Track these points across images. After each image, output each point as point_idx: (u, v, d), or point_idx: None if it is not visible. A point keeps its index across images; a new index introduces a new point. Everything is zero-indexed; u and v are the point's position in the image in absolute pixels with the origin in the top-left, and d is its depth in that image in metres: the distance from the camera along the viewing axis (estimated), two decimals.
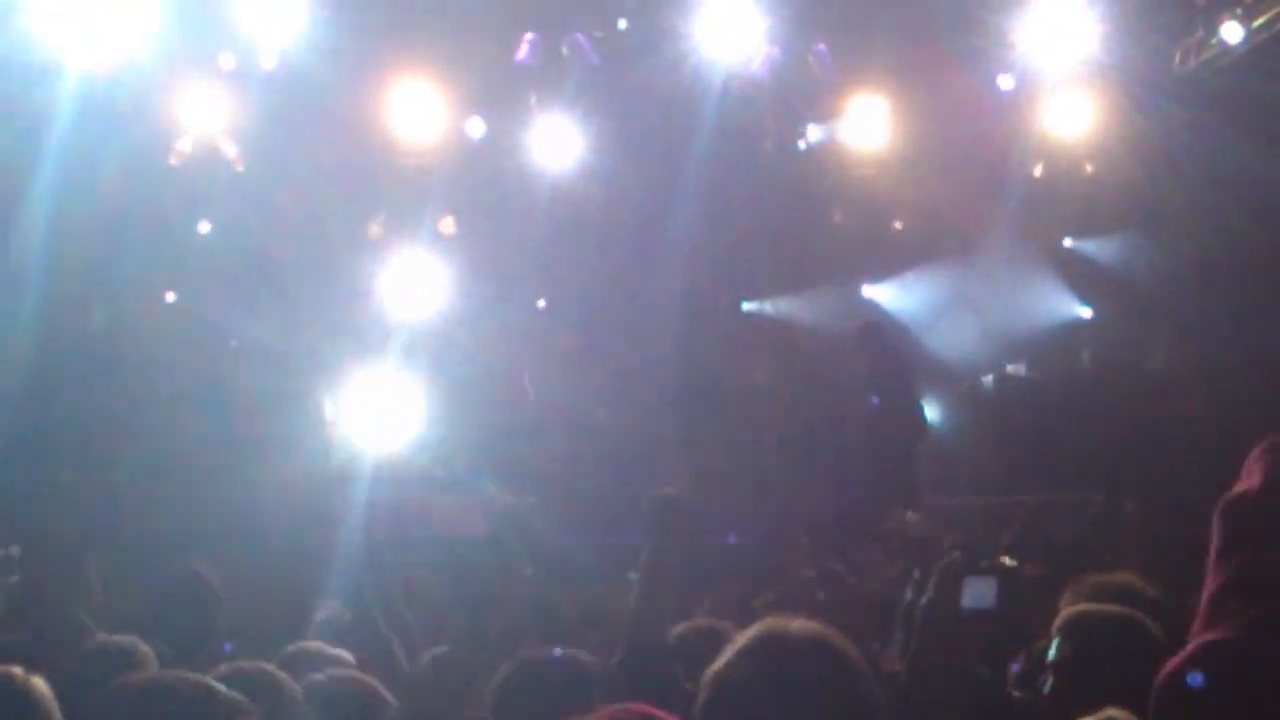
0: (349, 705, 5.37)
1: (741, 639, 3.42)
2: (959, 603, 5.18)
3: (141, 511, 13.40)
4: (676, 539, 5.72)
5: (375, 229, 19.77)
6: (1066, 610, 5.18)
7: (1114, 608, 5.06)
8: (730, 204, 20.33)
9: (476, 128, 18.97)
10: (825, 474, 17.50)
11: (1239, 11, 17.42)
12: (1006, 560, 5.29)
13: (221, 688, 4.30)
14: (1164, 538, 14.04)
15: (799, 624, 3.38)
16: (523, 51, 18.53)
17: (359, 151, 18.76)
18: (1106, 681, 4.60)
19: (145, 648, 5.92)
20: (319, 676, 5.55)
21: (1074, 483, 15.88)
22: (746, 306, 21.74)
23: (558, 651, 5.66)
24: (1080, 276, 21.22)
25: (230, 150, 18.47)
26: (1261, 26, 17.44)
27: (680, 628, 6.11)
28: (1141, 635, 4.87)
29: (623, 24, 18.85)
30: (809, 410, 18.63)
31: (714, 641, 5.46)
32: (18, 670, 4.56)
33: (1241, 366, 17.52)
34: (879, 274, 21.51)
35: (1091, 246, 21.23)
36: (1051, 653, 5.06)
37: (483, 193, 19.54)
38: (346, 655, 6.45)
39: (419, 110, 18.20)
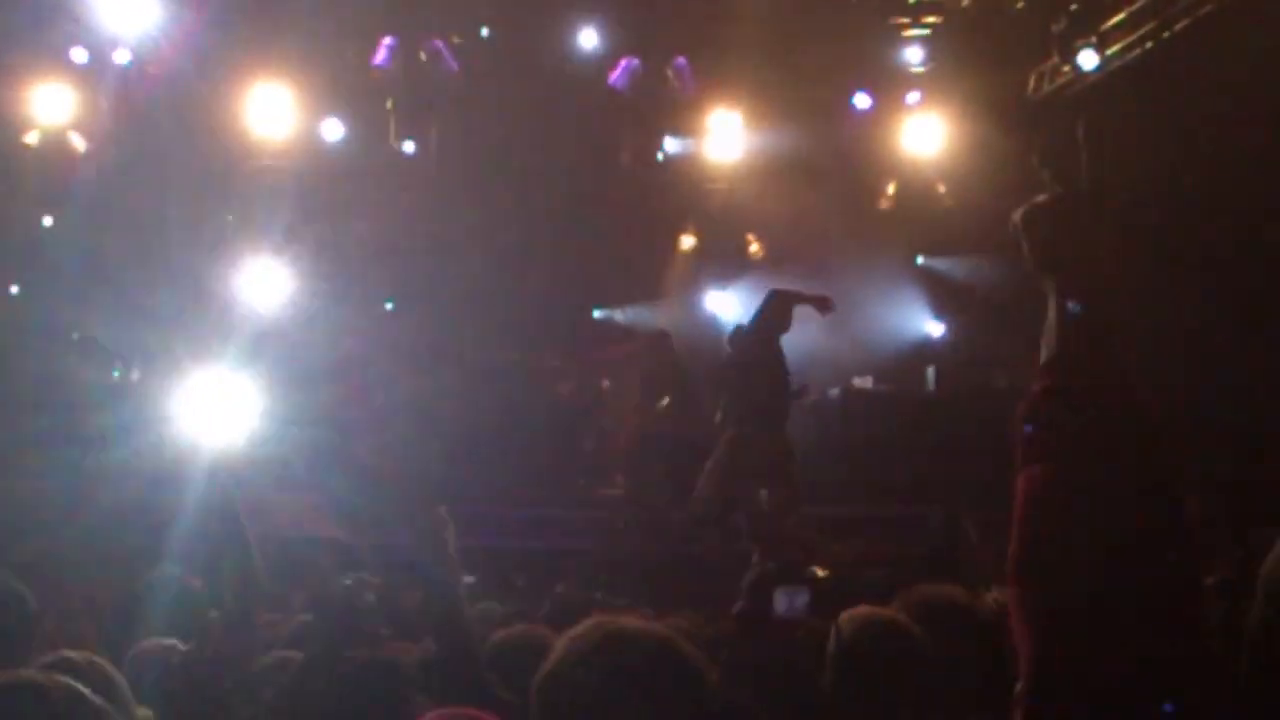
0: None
1: (573, 638, 3.26)
2: (771, 610, 5.24)
3: None
4: None
5: (224, 226, 19.72)
6: (846, 612, 5.12)
7: (886, 611, 5.07)
8: (586, 213, 20.49)
9: (333, 129, 19.01)
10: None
11: (1093, 39, 17.82)
12: (819, 571, 5.38)
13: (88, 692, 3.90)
14: (1003, 553, 14.33)
15: (633, 621, 3.29)
16: (380, 55, 18.56)
17: (210, 149, 18.73)
18: (872, 680, 4.75)
19: None
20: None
21: (916, 497, 16.10)
22: (598, 314, 21.85)
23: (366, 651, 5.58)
24: (931, 294, 21.49)
25: (79, 145, 18.36)
26: (1115, 54, 17.85)
27: (500, 634, 6.08)
28: (899, 637, 4.88)
29: (485, 31, 18.95)
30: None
31: (531, 646, 5.51)
32: None
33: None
34: (731, 284, 21.67)
35: (943, 265, 21.51)
36: (830, 649, 5.03)
37: (336, 193, 19.53)
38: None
39: (273, 111, 18.18)
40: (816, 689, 4.99)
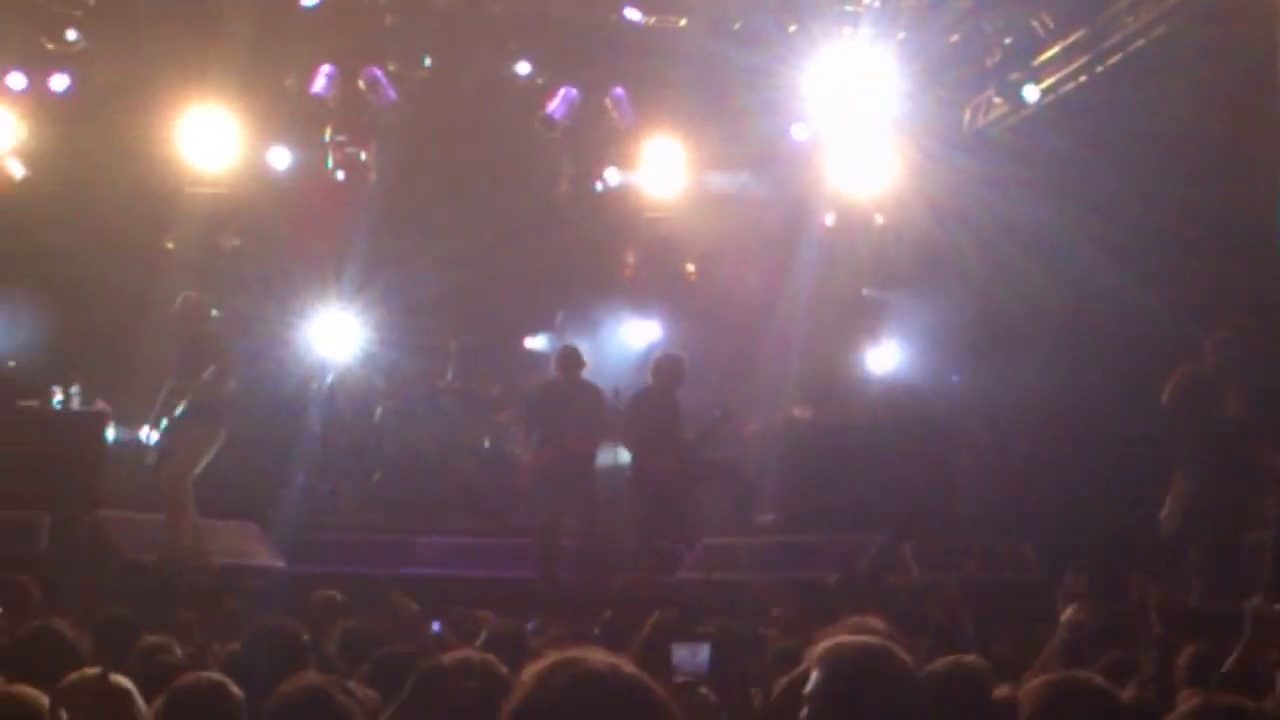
0: None
1: (541, 676, 3.19)
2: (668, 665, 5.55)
3: None
4: None
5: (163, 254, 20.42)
6: (823, 642, 5.23)
7: (868, 638, 5.19)
8: (523, 242, 21.01)
9: (279, 157, 19.72)
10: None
11: (1027, 73, 18.69)
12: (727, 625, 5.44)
13: None
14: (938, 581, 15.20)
15: (602, 659, 3.21)
16: (319, 83, 19.22)
17: (148, 174, 19.39)
18: (860, 710, 4.85)
19: None
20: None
21: (855, 525, 16.72)
22: (530, 343, 22.09)
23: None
24: (874, 325, 21.88)
25: (16, 171, 19.02)
26: (1049, 88, 18.73)
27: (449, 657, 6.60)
28: (892, 665, 5.02)
29: (428, 61, 19.66)
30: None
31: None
32: None
33: (1021, 416, 18.66)
34: (670, 315, 22.09)
35: (886, 296, 21.91)
36: (809, 685, 5.09)
37: (276, 220, 20.15)
38: None
39: (212, 137, 18.88)
40: None
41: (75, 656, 6.94)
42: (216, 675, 5.94)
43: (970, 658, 6.08)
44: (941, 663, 5.88)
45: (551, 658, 3.23)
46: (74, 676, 5.73)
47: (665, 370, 17.83)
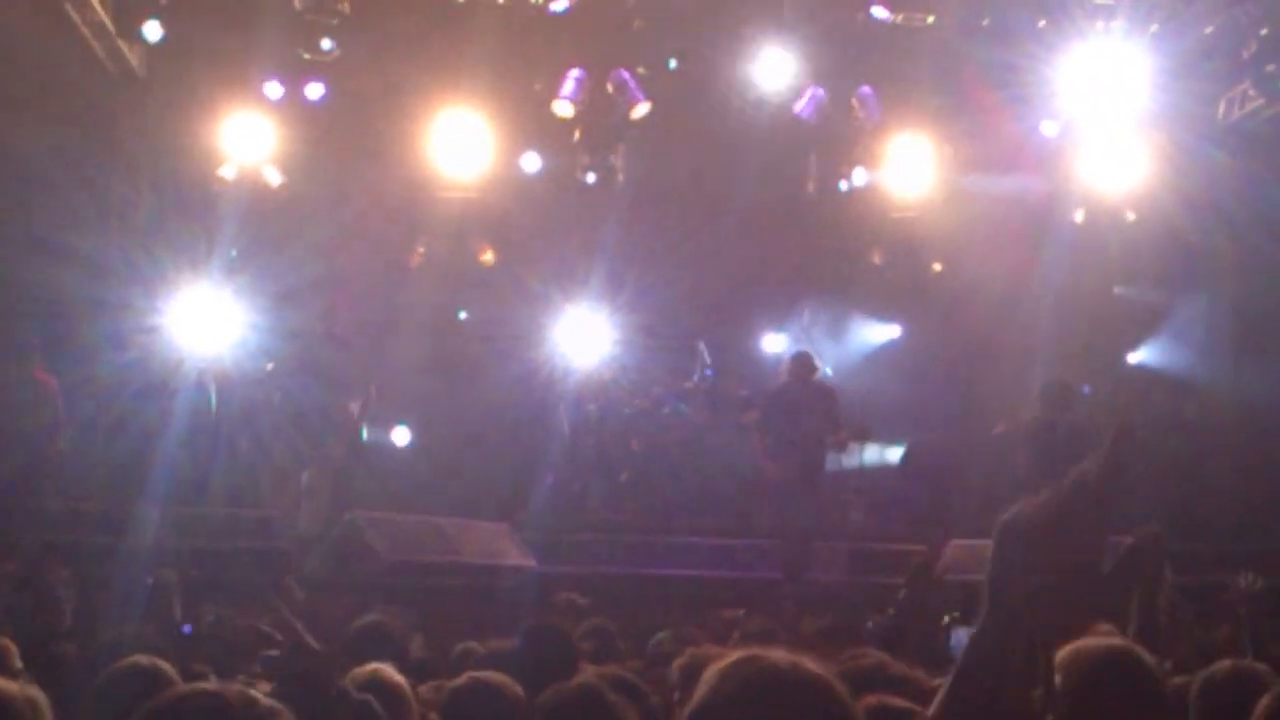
0: None
1: (723, 673, 3.23)
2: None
3: None
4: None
5: (415, 258, 20.92)
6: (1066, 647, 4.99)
7: (1109, 640, 5.11)
8: (771, 242, 21.18)
9: (530, 162, 20.12)
10: None
11: None
12: None
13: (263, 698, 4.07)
14: None
15: (785, 658, 3.25)
16: (567, 88, 19.52)
17: (400, 179, 19.87)
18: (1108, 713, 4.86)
19: (169, 668, 5.80)
20: None
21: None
22: (776, 343, 22.22)
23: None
24: (1124, 324, 21.75)
25: (275, 178, 19.55)
26: None
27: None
28: (1139, 666, 5.04)
29: (673, 64, 19.87)
30: None
31: None
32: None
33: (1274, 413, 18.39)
34: (916, 314, 22.17)
35: (1138, 294, 21.74)
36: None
37: (526, 222, 20.55)
38: None
39: (463, 142, 19.28)
40: None
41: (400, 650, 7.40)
42: (497, 675, 6.17)
43: (1250, 663, 6.11)
44: (1221, 666, 5.90)
45: (734, 655, 3.29)
46: (358, 671, 5.99)
47: None
